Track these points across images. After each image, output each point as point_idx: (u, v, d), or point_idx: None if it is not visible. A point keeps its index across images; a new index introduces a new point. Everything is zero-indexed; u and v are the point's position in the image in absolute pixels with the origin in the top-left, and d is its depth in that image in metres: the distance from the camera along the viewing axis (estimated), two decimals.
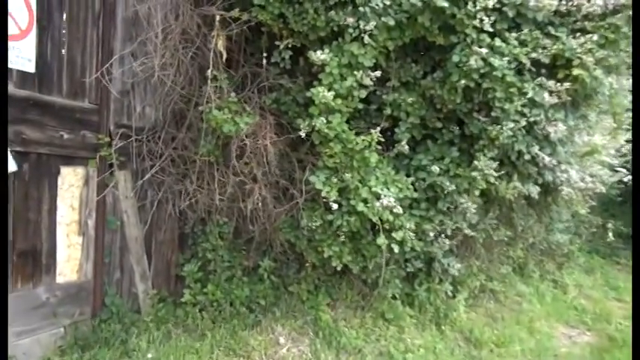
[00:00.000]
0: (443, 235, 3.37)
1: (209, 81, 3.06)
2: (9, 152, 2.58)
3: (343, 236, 3.13)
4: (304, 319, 3.52)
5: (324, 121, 2.93)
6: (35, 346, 2.88)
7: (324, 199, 3.02)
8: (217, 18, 3.17)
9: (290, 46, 3.22)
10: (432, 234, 3.29)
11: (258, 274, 3.75)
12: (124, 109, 3.43)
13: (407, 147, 3.13)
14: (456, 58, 2.91)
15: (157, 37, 3.39)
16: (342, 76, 2.99)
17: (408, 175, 3.23)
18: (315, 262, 3.43)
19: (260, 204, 3.20)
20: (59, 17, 2.97)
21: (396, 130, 3.28)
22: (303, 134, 3.00)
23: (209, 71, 3.07)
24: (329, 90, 2.94)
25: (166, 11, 3.51)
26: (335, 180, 3.03)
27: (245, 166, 3.32)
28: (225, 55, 3.22)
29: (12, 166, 2.60)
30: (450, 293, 4.18)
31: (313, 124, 2.95)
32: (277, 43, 3.29)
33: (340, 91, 2.98)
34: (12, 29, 2.70)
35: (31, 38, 2.80)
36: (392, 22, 2.91)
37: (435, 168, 3.13)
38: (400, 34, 2.99)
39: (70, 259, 3.14)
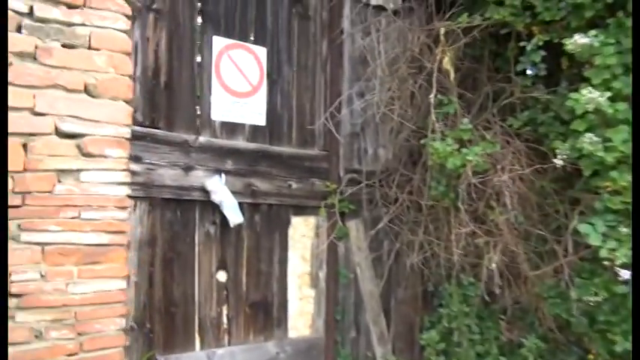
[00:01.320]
0: None
1: (431, 107, 2.50)
2: (236, 204, 2.64)
3: None
4: None
5: (597, 140, 1.91)
6: None
7: (608, 261, 1.95)
8: (441, 31, 2.61)
9: (541, 43, 2.35)
10: None
11: (520, 355, 2.78)
12: (353, 152, 3.21)
13: None
14: None
15: (383, 70, 3.08)
16: (626, 67, 1.93)
17: None
18: (603, 355, 2.26)
19: (508, 262, 2.34)
20: (288, 69, 3.00)
21: None
22: (559, 162, 2.05)
23: (431, 96, 2.51)
24: (605, 91, 1.92)
25: (393, 39, 3.18)
26: (624, 231, 1.91)
27: (490, 210, 2.54)
28: (452, 74, 2.61)
29: (238, 217, 2.65)
30: None
31: (578, 145, 1.97)
32: (524, 44, 2.46)
33: (624, 90, 1.91)
34: (244, 87, 2.84)
35: (262, 93, 2.90)
36: None
37: None
38: None
39: (302, 313, 3.00)
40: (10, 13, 1.76)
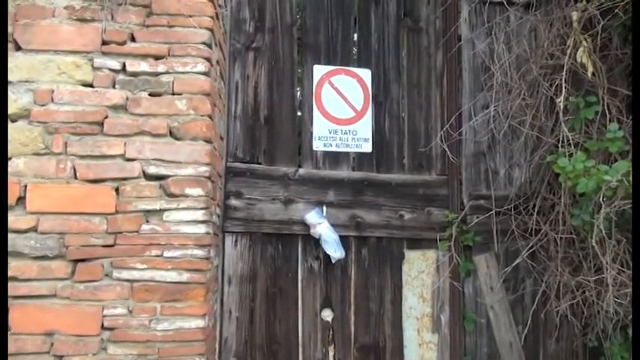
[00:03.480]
0: None
1: (560, 114, 1.96)
2: (336, 237, 2.47)
3: None
4: None
5: None
6: None
7: None
8: (574, 17, 2.06)
9: None
10: None
11: None
12: (480, 175, 2.75)
13: None
14: None
15: (510, 75, 2.59)
16: None
17: None
18: None
19: None
20: (397, 89, 2.76)
21: None
22: None
23: (559, 99, 1.97)
24: None
25: (522, 38, 2.67)
26: None
27: None
28: (591, 69, 2.01)
29: (339, 253, 2.47)
30: None
31: None
32: None
33: None
34: (347, 113, 2.69)
35: (367, 118, 2.71)
36: None
37: None
38: None
39: None
40: (106, 71, 1.97)
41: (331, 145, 2.67)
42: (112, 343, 1.85)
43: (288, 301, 2.52)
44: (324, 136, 2.66)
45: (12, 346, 1.72)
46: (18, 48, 1.94)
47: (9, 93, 1.91)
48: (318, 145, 2.65)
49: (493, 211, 2.61)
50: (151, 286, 1.90)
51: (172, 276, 1.91)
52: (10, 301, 1.75)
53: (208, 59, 2.04)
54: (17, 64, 1.93)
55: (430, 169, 2.73)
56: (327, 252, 2.46)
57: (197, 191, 1.97)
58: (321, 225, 2.48)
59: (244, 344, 2.43)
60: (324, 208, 2.56)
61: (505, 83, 2.61)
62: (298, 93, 2.70)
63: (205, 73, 2.03)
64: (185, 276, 1.92)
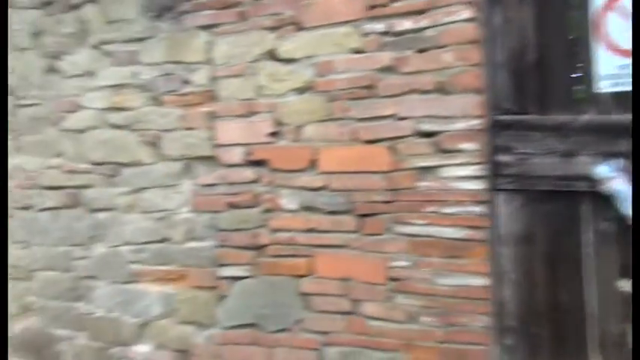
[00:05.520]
0: None
1: None
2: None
3: None
4: None
5: None
6: None
7: None
8: None
9: None
10: None
11: None
12: None
13: None
14: None
15: None
16: None
17: None
18: None
19: None
20: None
21: None
22: None
23: None
24: None
25: None
26: None
27: None
28: None
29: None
30: None
31: None
32: None
33: None
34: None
35: None
36: None
37: None
38: None
39: None
40: (373, 36, 2.05)
41: (621, 84, 2.20)
42: (398, 292, 1.96)
43: (571, 267, 2.22)
44: (610, 73, 2.22)
45: (318, 287, 2.01)
46: (300, 28, 2.18)
47: (294, 70, 2.17)
48: (603, 85, 2.23)
49: None
50: (430, 242, 1.93)
51: (450, 232, 1.90)
52: (313, 250, 2.03)
53: (472, 4, 1.91)
54: (300, 44, 2.17)
55: None
56: (625, 212, 2.07)
57: (470, 146, 1.89)
58: (615, 180, 2.09)
59: (523, 309, 2.26)
60: (619, 160, 2.14)
61: None
62: (573, 26, 2.31)
63: (471, 20, 1.91)
64: (463, 233, 1.88)
